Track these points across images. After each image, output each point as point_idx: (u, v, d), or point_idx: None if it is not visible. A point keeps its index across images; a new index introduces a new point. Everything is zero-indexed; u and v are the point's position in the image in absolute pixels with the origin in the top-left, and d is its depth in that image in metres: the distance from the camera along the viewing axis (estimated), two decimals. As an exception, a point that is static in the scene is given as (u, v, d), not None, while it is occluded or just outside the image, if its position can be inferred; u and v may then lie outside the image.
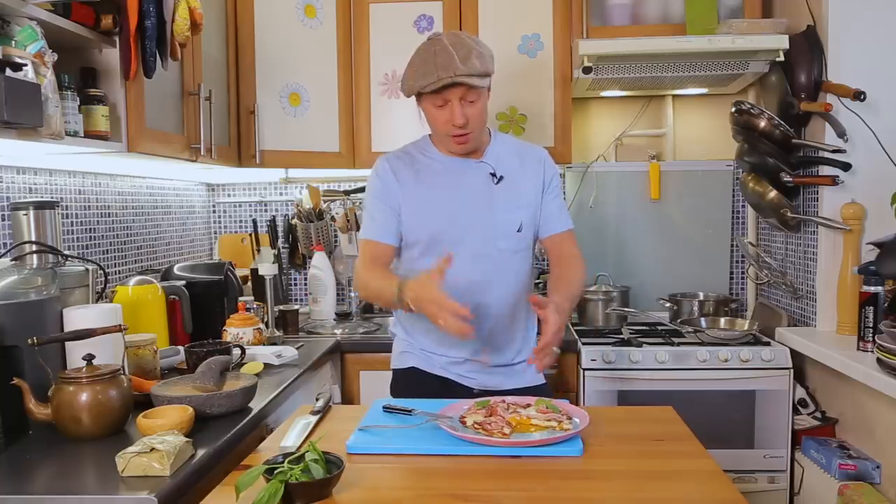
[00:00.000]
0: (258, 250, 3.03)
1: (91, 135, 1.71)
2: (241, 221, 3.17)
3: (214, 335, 2.17)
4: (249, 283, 2.80)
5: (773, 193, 2.45)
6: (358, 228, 2.92)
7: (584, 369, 2.35)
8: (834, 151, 2.28)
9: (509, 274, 1.79)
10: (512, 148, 1.86)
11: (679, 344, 2.43)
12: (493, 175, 1.79)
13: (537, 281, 2.71)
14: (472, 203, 1.76)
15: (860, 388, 2.07)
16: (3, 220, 1.84)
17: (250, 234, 3.06)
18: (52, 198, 2.03)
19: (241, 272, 2.69)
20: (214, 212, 3.18)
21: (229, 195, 3.17)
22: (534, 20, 2.67)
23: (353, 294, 2.86)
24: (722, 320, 2.62)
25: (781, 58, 2.39)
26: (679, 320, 2.65)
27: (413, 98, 1.76)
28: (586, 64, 2.47)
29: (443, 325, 1.49)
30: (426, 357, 1.83)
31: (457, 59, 1.63)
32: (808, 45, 2.32)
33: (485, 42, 1.75)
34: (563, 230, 1.84)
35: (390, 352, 1.96)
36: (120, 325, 1.57)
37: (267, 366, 2.01)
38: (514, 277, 1.80)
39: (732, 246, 2.98)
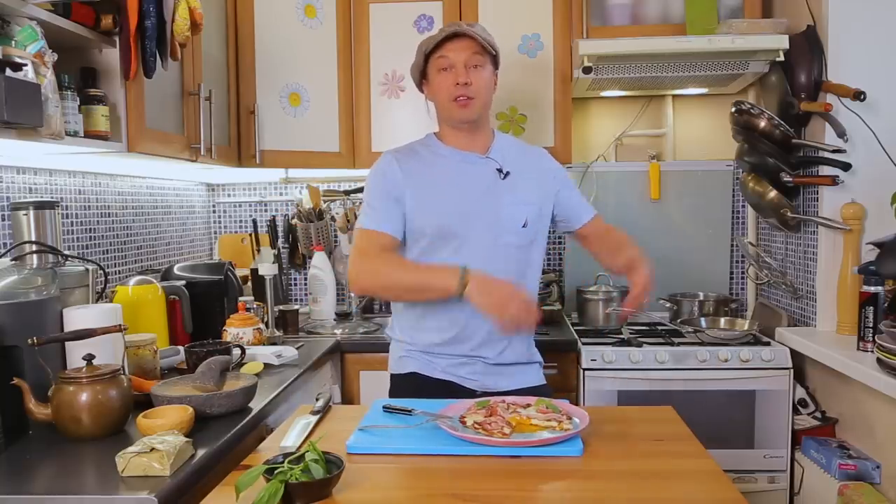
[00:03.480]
0: (258, 250, 3.03)
1: (91, 135, 1.71)
2: (241, 221, 3.17)
3: (214, 335, 2.17)
4: (249, 283, 2.80)
5: (773, 193, 2.45)
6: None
7: (584, 369, 2.35)
8: (834, 151, 2.28)
9: (512, 269, 1.79)
10: (514, 146, 1.88)
11: (679, 344, 2.43)
12: (500, 171, 1.80)
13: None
14: (479, 197, 1.77)
15: (860, 388, 2.07)
16: (3, 220, 1.84)
17: (250, 234, 3.06)
18: (52, 198, 2.03)
19: (241, 272, 2.69)
20: (214, 212, 3.18)
21: (229, 195, 3.17)
22: (534, 20, 2.67)
23: (352, 294, 2.86)
24: (722, 320, 2.62)
25: (781, 58, 2.39)
26: (679, 320, 2.65)
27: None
28: (586, 64, 2.47)
29: (506, 313, 1.56)
30: (427, 361, 1.80)
31: (463, 23, 1.75)
32: (808, 45, 2.32)
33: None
34: (593, 216, 1.93)
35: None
36: (120, 325, 1.57)
37: (267, 366, 2.01)
38: (518, 273, 1.79)
39: (732, 246, 2.98)
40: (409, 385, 1.81)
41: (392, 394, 1.86)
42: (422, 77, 1.81)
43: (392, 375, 1.88)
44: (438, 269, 1.65)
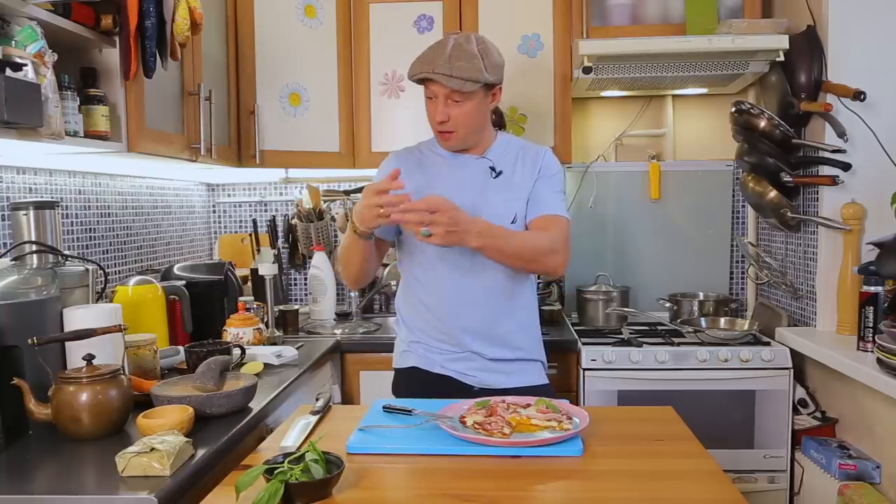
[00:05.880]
0: (258, 250, 3.03)
1: (91, 135, 1.71)
2: (241, 221, 3.17)
3: (214, 335, 2.17)
4: (249, 283, 2.80)
5: (773, 193, 2.45)
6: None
7: (584, 369, 2.35)
8: (834, 151, 2.28)
9: (503, 265, 1.79)
10: (516, 148, 1.87)
11: (679, 344, 2.43)
12: (493, 169, 1.81)
13: (538, 281, 2.70)
14: (467, 193, 1.78)
15: (860, 388, 2.07)
16: (3, 220, 1.84)
17: (250, 234, 3.06)
18: (52, 198, 2.03)
19: (241, 272, 2.69)
20: (214, 212, 3.18)
21: (229, 195, 3.17)
22: (534, 20, 2.67)
23: (352, 294, 2.86)
24: (722, 320, 2.62)
25: (781, 58, 2.39)
26: (679, 320, 2.65)
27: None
28: (586, 64, 2.47)
29: (372, 203, 1.56)
30: (426, 356, 1.84)
31: (445, 57, 1.66)
32: (808, 45, 2.32)
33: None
34: (550, 213, 1.76)
35: (390, 352, 1.97)
36: (120, 325, 1.57)
37: (267, 366, 2.01)
38: (508, 270, 1.80)
39: (732, 246, 2.98)
40: (410, 379, 1.85)
41: (394, 387, 1.90)
42: None
43: (395, 370, 1.92)
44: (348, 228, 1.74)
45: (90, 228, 2.23)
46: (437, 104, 1.71)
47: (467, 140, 1.79)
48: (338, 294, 2.95)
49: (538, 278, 2.76)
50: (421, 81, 1.72)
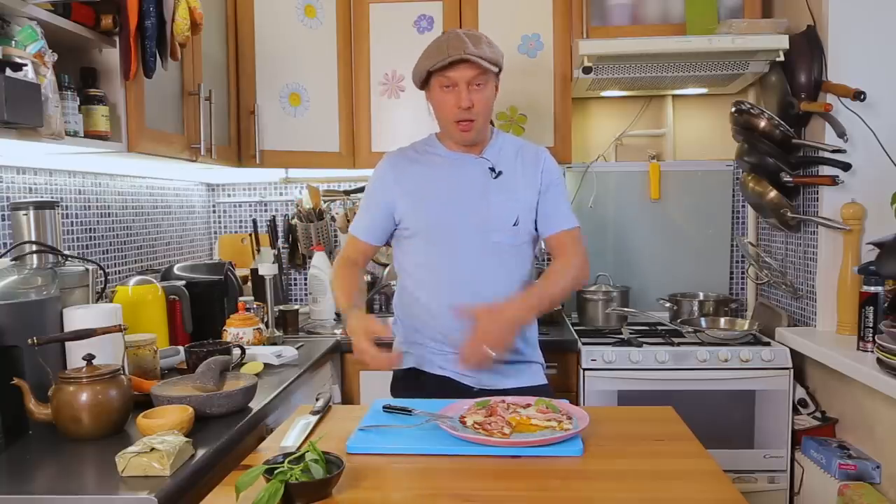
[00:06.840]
0: (258, 250, 3.03)
1: (91, 135, 1.71)
2: (241, 221, 3.17)
3: (214, 335, 2.17)
4: (249, 283, 2.80)
5: (773, 193, 2.45)
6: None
7: (584, 369, 2.35)
8: (834, 151, 2.28)
9: (505, 268, 1.79)
10: (513, 146, 1.87)
11: (679, 344, 2.43)
12: (492, 170, 1.81)
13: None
14: (468, 194, 1.78)
15: (860, 388, 2.07)
16: (3, 220, 1.84)
17: (250, 234, 3.06)
18: (52, 198, 2.03)
19: (241, 272, 2.69)
20: (214, 212, 3.18)
21: (229, 195, 3.17)
22: (534, 20, 2.67)
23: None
24: (722, 320, 2.62)
25: (781, 58, 2.39)
26: (679, 320, 2.65)
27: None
28: (586, 64, 2.47)
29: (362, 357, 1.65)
30: (425, 357, 1.83)
31: (468, 43, 1.70)
32: (808, 45, 2.32)
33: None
34: (565, 228, 1.82)
35: (390, 352, 1.96)
36: (120, 325, 1.57)
37: (267, 366, 2.01)
38: (509, 273, 1.80)
39: (732, 246, 2.98)
40: (408, 381, 1.85)
41: (392, 389, 1.89)
42: (424, 82, 1.80)
43: (393, 371, 1.90)
44: (345, 305, 1.79)
45: (90, 228, 2.23)
46: (460, 91, 1.71)
47: (482, 131, 1.80)
48: (338, 294, 2.94)
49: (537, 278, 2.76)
50: (445, 68, 1.70)
